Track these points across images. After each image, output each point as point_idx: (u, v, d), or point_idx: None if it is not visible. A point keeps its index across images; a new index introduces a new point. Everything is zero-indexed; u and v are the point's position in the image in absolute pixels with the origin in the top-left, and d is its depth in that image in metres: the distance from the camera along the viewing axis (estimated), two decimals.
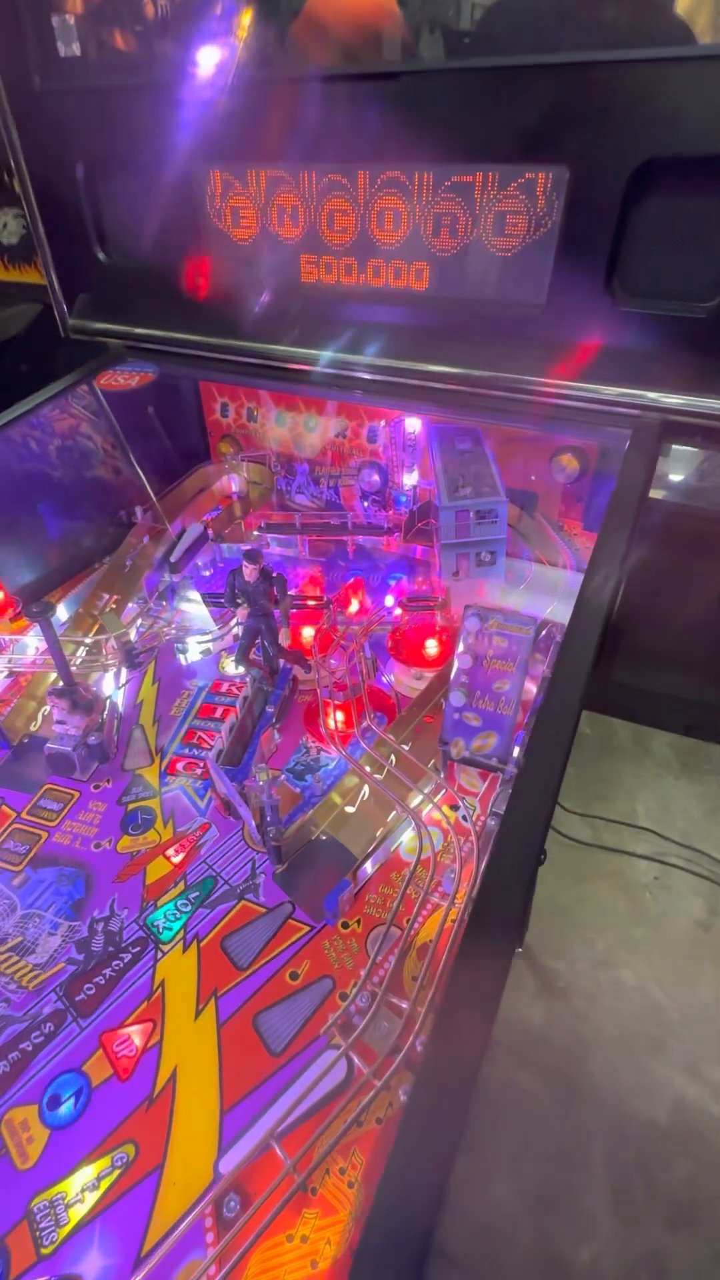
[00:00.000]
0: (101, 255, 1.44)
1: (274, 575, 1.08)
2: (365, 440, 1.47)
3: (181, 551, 1.34)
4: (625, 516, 0.92)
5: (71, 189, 1.36)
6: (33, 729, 1.17)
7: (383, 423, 1.43)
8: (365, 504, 1.53)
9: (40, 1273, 0.63)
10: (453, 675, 0.95)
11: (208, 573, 1.46)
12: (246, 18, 1.14)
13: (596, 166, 0.96)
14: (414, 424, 1.39)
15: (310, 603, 1.30)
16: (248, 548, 1.12)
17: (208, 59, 1.12)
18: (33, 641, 1.27)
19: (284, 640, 1.12)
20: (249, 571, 1.04)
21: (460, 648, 0.94)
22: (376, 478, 1.47)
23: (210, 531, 1.44)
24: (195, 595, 1.32)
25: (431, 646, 1.20)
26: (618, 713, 2.16)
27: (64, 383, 1.38)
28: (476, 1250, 1.28)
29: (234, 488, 1.58)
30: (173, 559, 1.33)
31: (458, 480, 1.17)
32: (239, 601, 1.09)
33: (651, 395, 1.04)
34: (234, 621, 1.25)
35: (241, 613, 1.09)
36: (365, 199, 1.13)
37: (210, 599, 1.31)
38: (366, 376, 1.24)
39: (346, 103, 1.07)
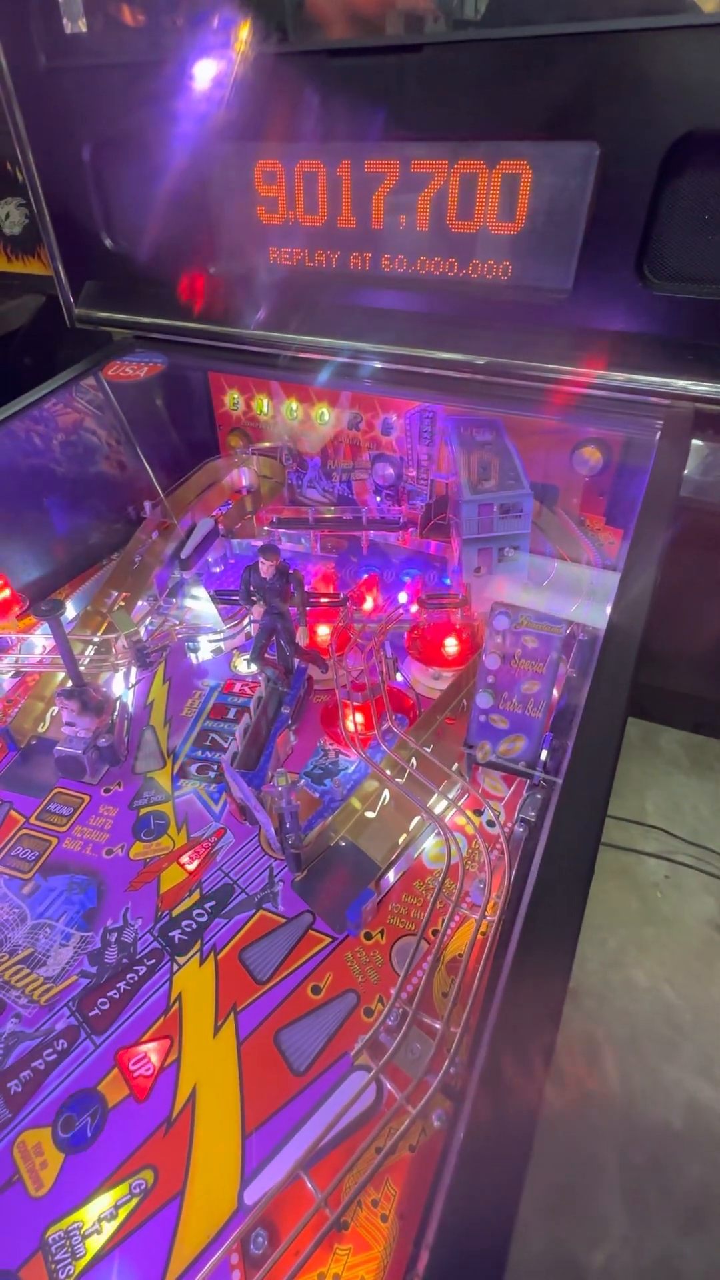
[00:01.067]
0: (108, 242, 1.40)
1: (291, 572, 1.04)
2: (379, 432, 1.42)
3: (192, 548, 1.30)
4: (661, 511, 0.88)
5: (78, 172, 1.32)
6: (41, 731, 1.14)
7: (396, 417, 1.39)
8: (379, 499, 1.48)
9: None
10: (479, 675, 0.91)
11: (218, 569, 1.42)
12: None
13: (629, 142, 0.92)
14: (430, 415, 1.34)
15: (324, 600, 1.26)
16: (264, 543, 1.08)
17: (219, 34, 1.07)
18: (40, 640, 1.23)
19: (301, 639, 1.08)
20: (266, 568, 1.00)
21: (487, 647, 0.90)
22: (390, 471, 1.43)
23: (220, 527, 1.40)
24: (202, 593, 1.28)
25: (451, 645, 1.16)
26: (628, 711, 2.13)
27: (69, 374, 1.34)
28: None
29: (244, 482, 1.54)
30: (183, 555, 1.29)
31: (479, 473, 1.13)
32: (254, 599, 1.05)
33: (684, 384, 1.00)
34: (248, 620, 1.21)
35: (256, 610, 1.05)
36: (383, 179, 1.09)
37: (221, 596, 1.27)
38: (380, 365, 1.20)
39: (364, 78, 1.03)
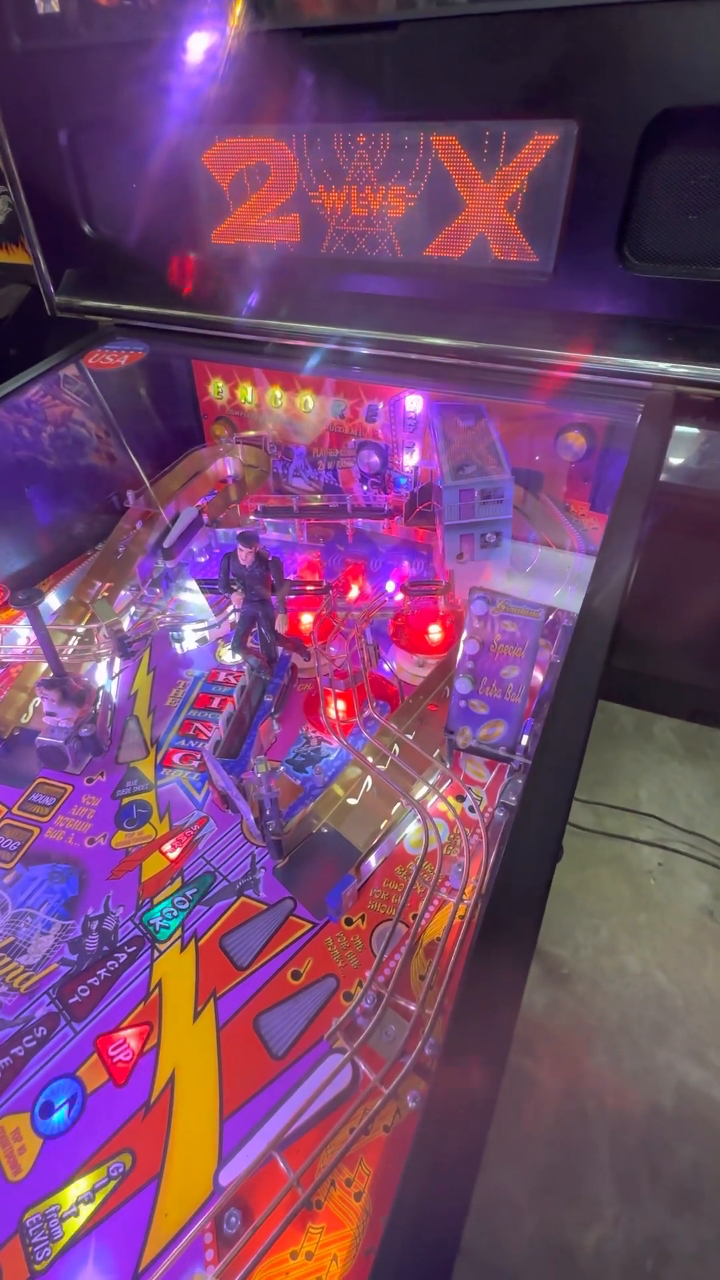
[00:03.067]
0: (88, 228, 1.38)
1: (270, 559, 1.04)
2: (364, 419, 1.42)
3: (175, 537, 1.30)
4: (639, 494, 0.87)
5: (55, 158, 1.30)
6: (23, 721, 1.13)
7: (381, 404, 1.38)
8: (365, 487, 1.48)
9: None
10: (458, 661, 0.91)
11: (203, 559, 1.41)
12: None
13: (608, 120, 0.91)
14: (414, 402, 1.34)
15: (309, 588, 1.26)
16: (242, 530, 1.07)
17: (198, 14, 1.05)
18: (23, 631, 1.23)
19: (281, 627, 1.08)
20: (244, 555, 1.00)
21: (466, 633, 0.90)
22: (376, 459, 1.42)
23: (205, 516, 1.39)
24: (193, 585, 1.27)
25: (435, 632, 1.15)
26: (620, 698, 2.14)
27: (50, 362, 1.32)
28: (482, 1236, 1.27)
29: (229, 471, 1.53)
30: (166, 545, 1.28)
31: (461, 459, 1.12)
32: (234, 587, 1.05)
33: (664, 366, 0.99)
34: (230, 609, 1.21)
35: (236, 598, 1.04)
36: (362, 161, 1.08)
37: (205, 585, 1.26)
38: (365, 351, 1.19)
39: (342, 57, 1.01)
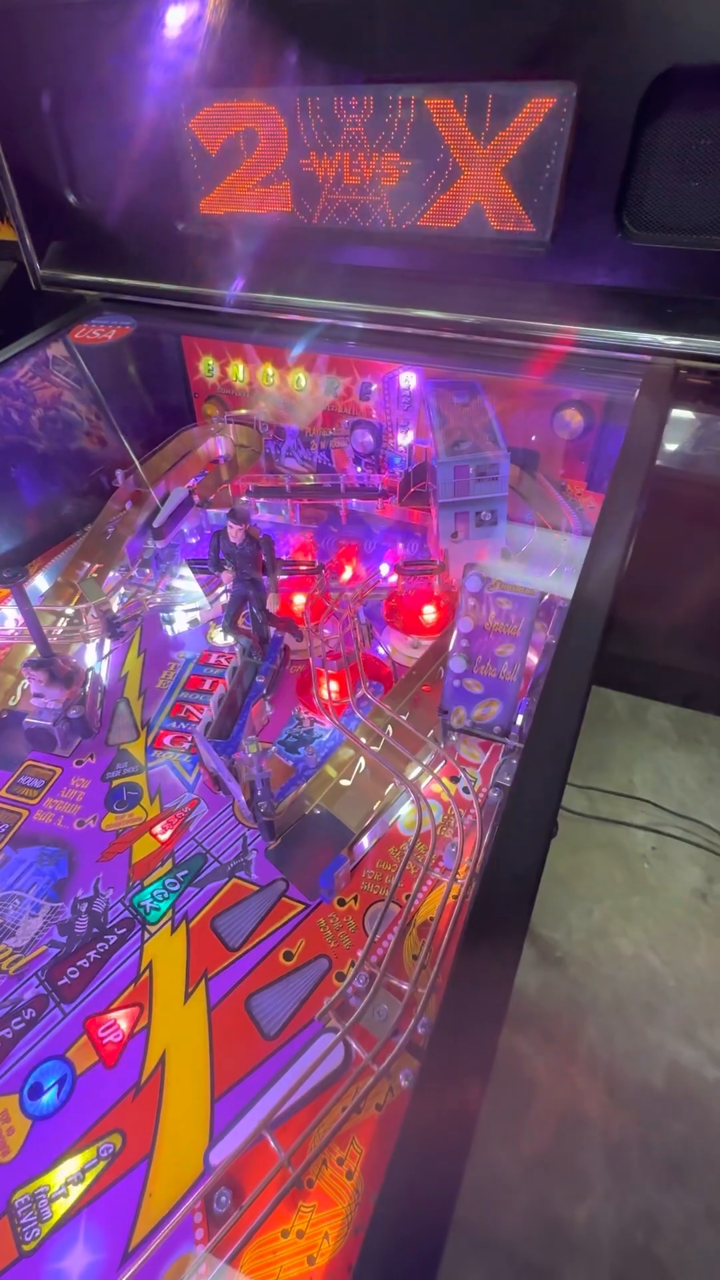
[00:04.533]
0: (73, 198, 1.34)
1: (261, 537, 1.02)
2: (358, 398, 1.39)
3: (165, 517, 1.27)
4: (636, 470, 0.86)
5: (38, 123, 1.26)
6: (11, 703, 1.12)
7: (375, 382, 1.35)
8: (359, 467, 1.45)
9: (22, 1270, 0.60)
10: (453, 640, 0.89)
11: (194, 540, 1.39)
12: None
13: (608, 80, 0.88)
14: (409, 379, 1.31)
15: (301, 569, 1.24)
16: (232, 507, 1.05)
17: None
18: (10, 613, 1.20)
19: (273, 606, 1.06)
20: (234, 533, 0.98)
21: (460, 611, 0.88)
22: (370, 438, 1.40)
23: (196, 497, 1.37)
24: (188, 573, 1.25)
25: (429, 613, 1.14)
26: (614, 684, 2.14)
27: (36, 336, 1.29)
28: (475, 1211, 1.28)
29: (220, 451, 1.50)
30: (156, 525, 1.26)
31: (456, 436, 1.10)
32: (224, 566, 1.03)
33: (663, 339, 0.97)
34: (220, 589, 1.19)
35: (227, 577, 1.02)
36: (354, 127, 1.04)
37: (196, 565, 1.24)
38: (359, 326, 1.16)
39: (333, 17, 0.97)
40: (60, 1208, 0.64)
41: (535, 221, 1.01)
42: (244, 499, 1.38)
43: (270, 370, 1.43)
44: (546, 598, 0.87)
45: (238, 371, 1.47)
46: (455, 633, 0.89)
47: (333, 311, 1.16)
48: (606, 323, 1.00)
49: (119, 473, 1.38)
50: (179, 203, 1.23)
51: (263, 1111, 0.66)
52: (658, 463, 1.13)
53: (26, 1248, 0.61)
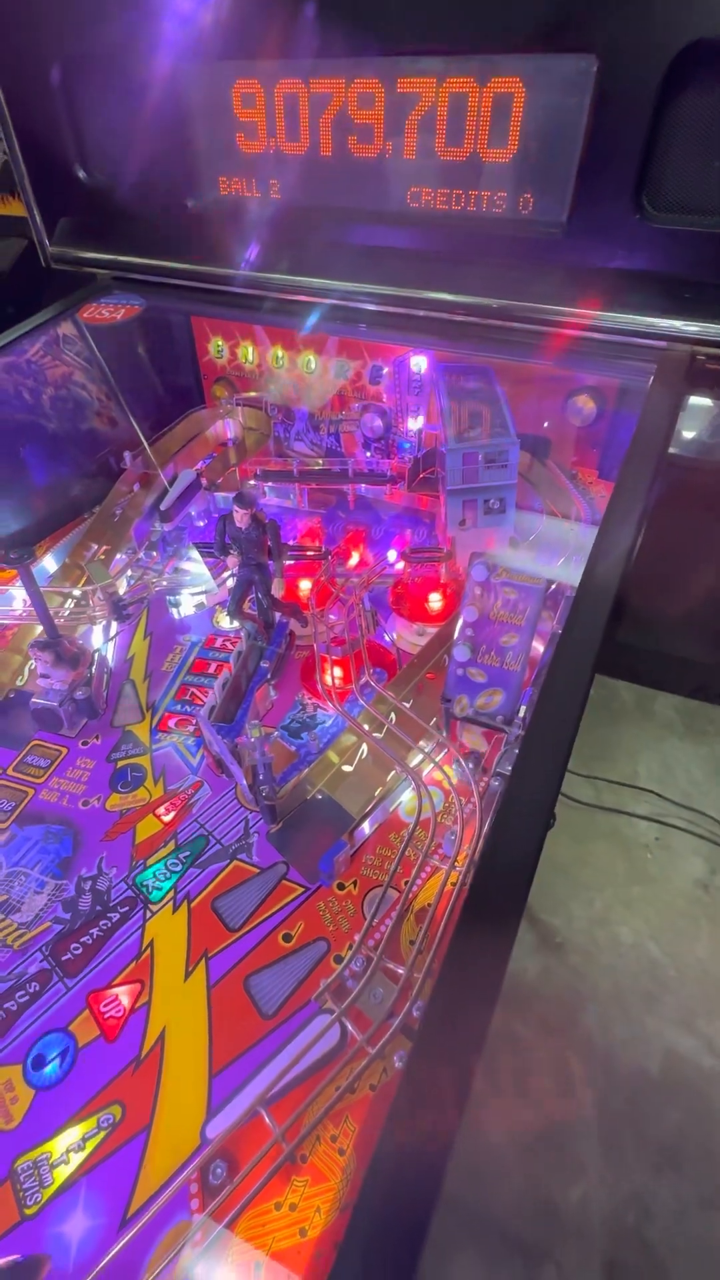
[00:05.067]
0: (83, 174, 1.32)
1: (267, 521, 1.01)
2: (368, 381, 1.37)
3: (172, 499, 1.27)
4: (647, 458, 0.84)
5: (49, 97, 1.24)
6: (18, 684, 1.13)
7: (386, 366, 1.33)
8: (368, 453, 1.44)
9: (24, 1232, 0.62)
10: (458, 629, 0.89)
11: (201, 523, 1.39)
12: None
13: (630, 54, 0.85)
14: (420, 363, 1.29)
15: (308, 553, 1.23)
16: (238, 491, 1.04)
17: None
18: (18, 594, 1.21)
19: (278, 591, 1.06)
20: (240, 517, 0.97)
21: (466, 599, 0.88)
22: (379, 423, 1.38)
23: (204, 480, 1.36)
24: (196, 555, 1.25)
25: (435, 601, 1.13)
26: (621, 674, 2.13)
27: (45, 315, 1.28)
28: (469, 1191, 1.31)
29: (229, 433, 1.49)
30: (163, 507, 1.26)
31: (466, 422, 1.08)
32: (230, 550, 1.02)
33: (680, 324, 0.95)
34: (226, 573, 1.19)
35: (232, 561, 1.02)
36: (367, 103, 1.02)
37: (203, 549, 1.24)
38: (371, 308, 1.14)
39: None
40: (61, 1174, 0.65)
41: (551, 202, 0.98)
42: (252, 482, 1.37)
43: (280, 352, 1.42)
44: (554, 587, 0.86)
45: (247, 353, 1.46)
46: (460, 621, 0.88)
47: (344, 292, 1.14)
48: (622, 307, 0.97)
49: (127, 454, 1.37)
50: (191, 180, 1.21)
51: (259, 1088, 0.67)
52: (673, 450, 1.11)
53: (28, 1211, 0.63)
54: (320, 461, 1.41)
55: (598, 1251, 1.24)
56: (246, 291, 1.23)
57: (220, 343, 1.47)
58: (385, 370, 1.32)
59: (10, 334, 1.24)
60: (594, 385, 1.17)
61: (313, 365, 1.39)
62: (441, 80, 0.96)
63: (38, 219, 1.37)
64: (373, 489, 1.41)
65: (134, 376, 1.49)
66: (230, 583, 1.12)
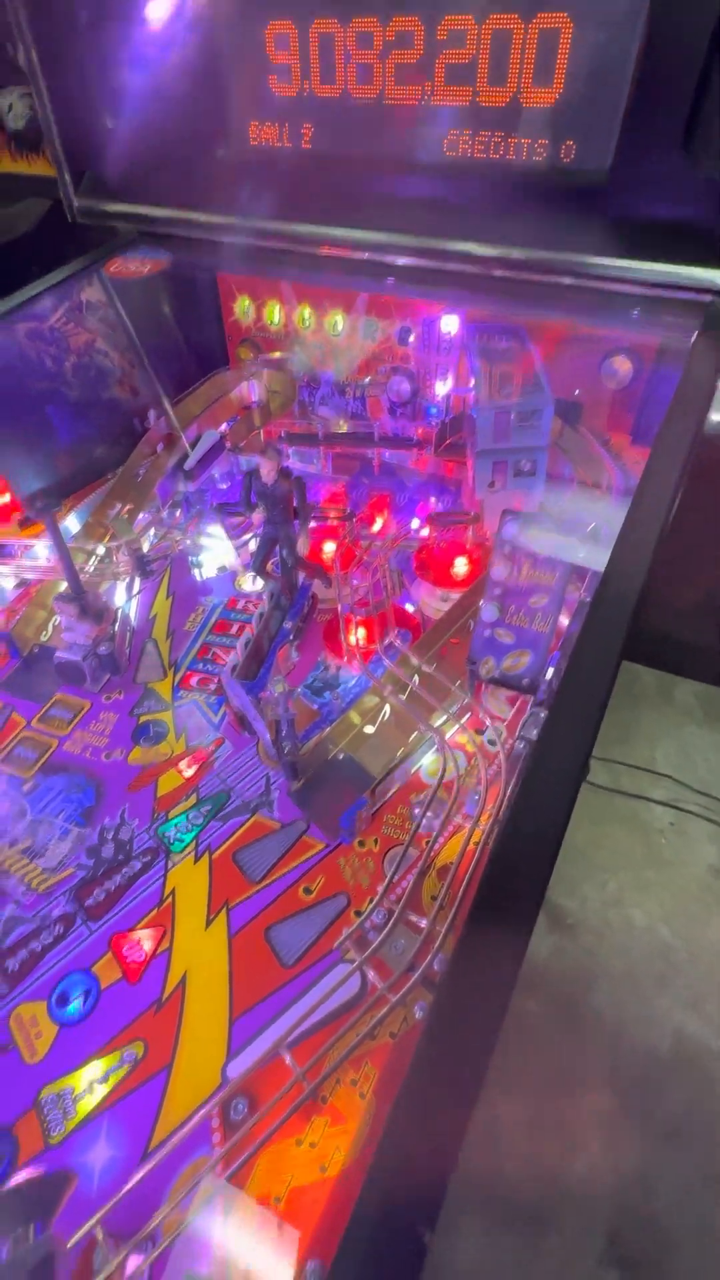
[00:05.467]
0: (110, 123, 1.30)
1: (294, 477, 1.00)
2: (396, 343, 1.34)
3: (196, 459, 1.26)
4: (687, 418, 0.82)
5: (78, 42, 1.21)
6: (43, 639, 1.13)
7: (414, 331, 1.29)
8: (394, 417, 1.41)
9: (49, 1159, 0.63)
10: (486, 587, 0.87)
11: (224, 485, 1.38)
12: None
13: None
14: (450, 323, 1.26)
15: (331, 516, 1.22)
16: (266, 444, 1.03)
17: None
18: (42, 551, 1.21)
19: (303, 550, 1.05)
20: (267, 470, 0.96)
21: (495, 557, 0.86)
22: (406, 386, 1.35)
23: (227, 442, 1.35)
24: (217, 518, 1.23)
25: (461, 565, 1.12)
26: (643, 659, 2.10)
27: (69, 269, 1.26)
28: (474, 1159, 1.32)
29: (253, 396, 1.47)
30: (187, 466, 1.25)
31: (497, 381, 1.05)
32: (255, 506, 1.01)
33: None
34: (249, 535, 1.18)
35: (257, 517, 1.01)
36: (405, 44, 0.98)
37: (226, 509, 1.23)
38: (402, 262, 1.11)
39: None
40: (84, 1107, 0.67)
41: (595, 149, 0.95)
42: (276, 445, 1.36)
43: (307, 313, 1.39)
44: (582, 555, 0.84)
45: (273, 314, 1.43)
46: (489, 579, 0.87)
47: (375, 245, 1.11)
48: (667, 258, 0.94)
49: (151, 414, 1.36)
50: (220, 128, 1.18)
51: (279, 1031, 0.67)
52: (714, 416, 1.07)
53: (52, 1140, 0.65)
54: (345, 425, 1.39)
55: (601, 1222, 1.25)
56: (274, 246, 1.20)
57: (246, 302, 1.45)
58: (413, 332, 1.29)
59: (35, 286, 1.23)
60: (631, 345, 1.13)
61: (339, 326, 1.36)
62: (484, 17, 0.92)
63: (65, 171, 1.35)
64: (398, 454, 1.39)
65: (158, 336, 1.47)
66: (253, 544, 1.11)
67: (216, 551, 1.23)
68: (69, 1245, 0.54)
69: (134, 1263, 0.54)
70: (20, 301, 1.18)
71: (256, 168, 1.18)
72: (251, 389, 1.47)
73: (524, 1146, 1.33)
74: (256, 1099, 0.64)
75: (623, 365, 1.14)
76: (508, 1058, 1.42)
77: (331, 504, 1.33)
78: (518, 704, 0.95)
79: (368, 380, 1.40)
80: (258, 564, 1.06)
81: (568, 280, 1.00)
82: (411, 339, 1.31)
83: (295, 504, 1.02)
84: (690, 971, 1.53)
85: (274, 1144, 0.60)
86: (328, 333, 1.38)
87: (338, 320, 1.37)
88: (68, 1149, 0.64)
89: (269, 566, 1.08)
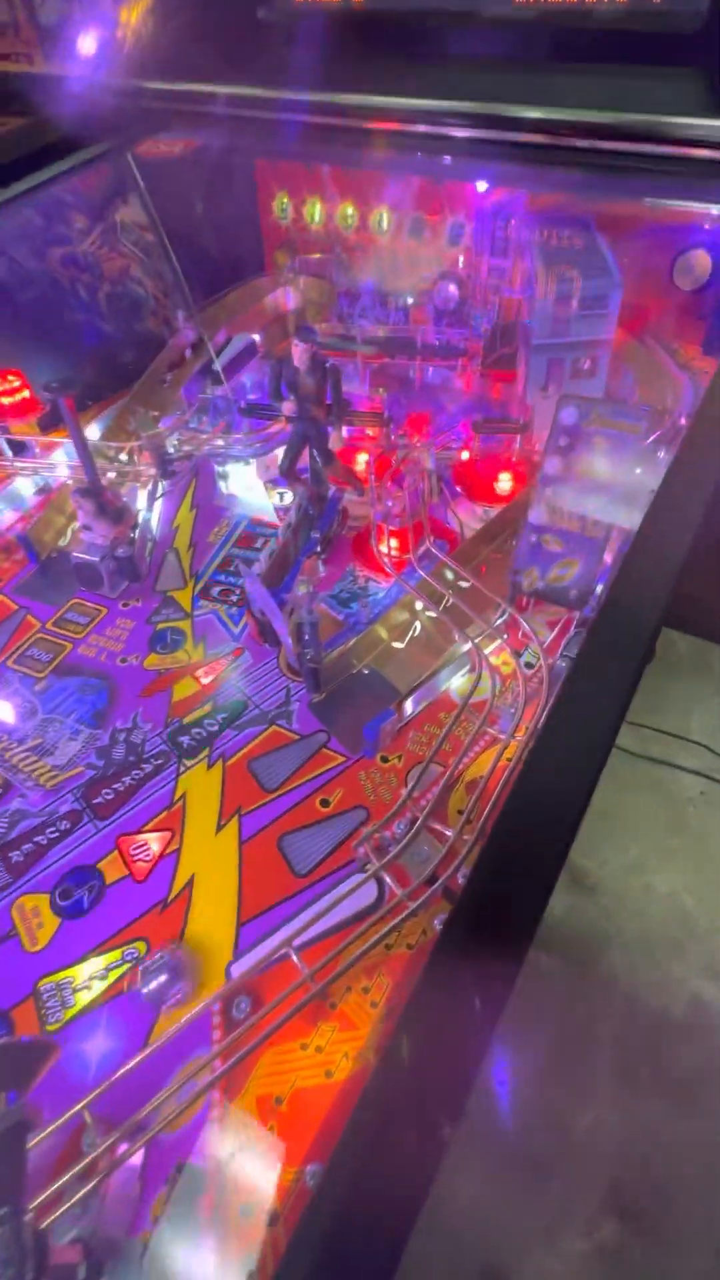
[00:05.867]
0: None
1: (328, 365, 0.91)
2: (445, 243, 1.23)
3: (226, 360, 1.18)
4: None
5: None
6: (61, 544, 1.09)
7: (467, 226, 1.17)
8: (439, 329, 1.30)
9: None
10: (538, 482, 0.79)
11: (253, 396, 1.29)
12: None
13: None
14: (506, 213, 1.13)
15: (367, 418, 1.12)
16: (300, 326, 0.94)
17: None
18: (61, 459, 1.16)
19: (335, 445, 0.97)
20: (299, 353, 0.88)
21: (550, 448, 0.77)
22: (454, 291, 1.24)
23: (260, 348, 1.26)
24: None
25: (504, 481, 1.03)
26: (679, 625, 2.00)
27: (101, 146, 1.17)
28: (482, 1108, 1.30)
29: (289, 303, 1.38)
30: (216, 367, 1.17)
31: (559, 271, 0.94)
32: (285, 398, 0.93)
33: None
34: (276, 450, 1.10)
35: (288, 407, 0.93)
36: None
37: (257, 410, 1.15)
38: (461, 134, 0.99)
39: None
40: (82, 999, 0.64)
41: None
42: (312, 327, 1.24)
43: (350, 210, 1.28)
44: (655, 434, 0.75)
45: (314, 212, 1.32)
46: (541, 474, 0.78)
47: (431, 114, 0.99)
48: None
49: (179, 313, 1.28)
50: None
51: (289, 934, 0.63)
52: None
53: (49, 1028, 0.62)
54: (385, 331, 1.28)
55: (604, 1172, 1.23)
56: (318, 121, 1.09)
57: (285, 199, 1.34)
58: (466, 228, 1.17)
59: (59, 166, 1.14)
60: (711, 239, 1.01)
61: (384, 224, 1.25)
62: None
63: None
64: (441, 372, 1.28)
65: (191, 235, 1.38)
66: (279, 453, 1.04)
67: (243, 462, 1.16)
68: (56, 1124, 0.51)
69: (123, 1150, 0.51)
70: (38, 183, 1.10)
71: (300, 30, 1.06)
72: (287, 296, 1.38)
73: (531, 1095, 1.31)
74: (262, 1000, 0.60)
75: (700, 262, 1.01)
76: (517, 1010, 1.39)
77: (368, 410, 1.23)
78: (557, 628, 0.87)
79: (412, 287, 1.29)
80: (285, 465, 0.99)
81: (652, 148, 0.87)
82: (464, 236, 1.19)
83: (330, 394, 0.93)
84: (711, 941, 1.47)
85: (278, 1045, 0.56)
86: (372, 231, 1.27)
87: (383, 217, 1.25)
88: (64, 1037, 0.61)
89: (297, 468, 1.00)
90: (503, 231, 1.13)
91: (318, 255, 1.35)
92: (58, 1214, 0.46)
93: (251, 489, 1.14)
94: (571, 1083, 1.33)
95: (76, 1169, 0.49)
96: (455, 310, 1.27)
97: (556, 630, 0.87)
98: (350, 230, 1.30)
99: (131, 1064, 0.55)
